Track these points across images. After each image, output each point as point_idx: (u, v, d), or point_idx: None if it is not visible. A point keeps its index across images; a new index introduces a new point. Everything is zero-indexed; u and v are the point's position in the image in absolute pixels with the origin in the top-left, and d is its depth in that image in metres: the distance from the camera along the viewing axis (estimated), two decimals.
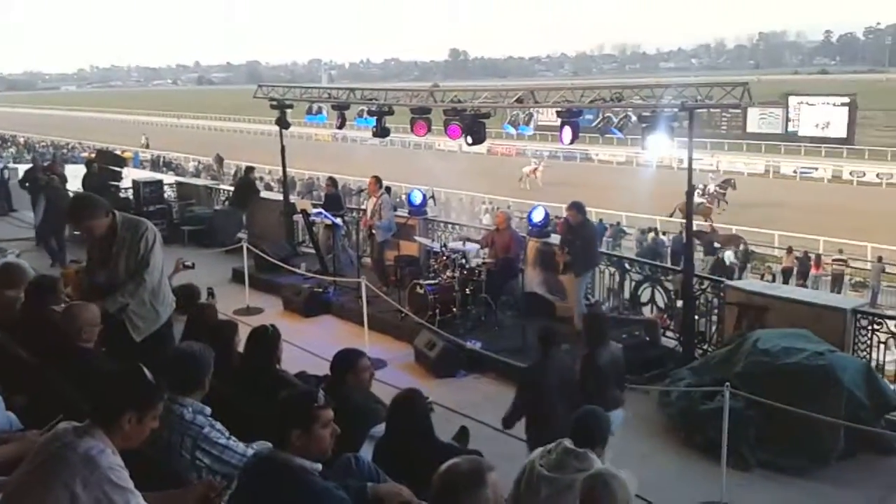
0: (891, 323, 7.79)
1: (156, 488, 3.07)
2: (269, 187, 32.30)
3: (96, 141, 56.77)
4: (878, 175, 42.02)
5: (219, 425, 3.65)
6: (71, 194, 12.86)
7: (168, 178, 21.72)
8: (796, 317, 7.80)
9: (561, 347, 6.13)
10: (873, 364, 7.54)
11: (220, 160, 42.44)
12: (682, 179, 8.68)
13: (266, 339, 5.00)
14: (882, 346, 7.66)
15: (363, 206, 12.41)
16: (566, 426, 3.97)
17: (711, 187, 32.91)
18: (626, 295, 10.51)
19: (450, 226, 12.91)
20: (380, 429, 4.04)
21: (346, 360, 4.76)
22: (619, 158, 48.56)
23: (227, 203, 17.00)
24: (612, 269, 10.61)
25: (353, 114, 12.61)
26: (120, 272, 5.24)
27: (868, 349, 7.66)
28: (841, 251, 24.53)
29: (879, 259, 23.52)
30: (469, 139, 10.53)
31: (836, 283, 23.31)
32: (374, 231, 11.62)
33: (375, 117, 11.78)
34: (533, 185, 40.40)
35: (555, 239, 10.88)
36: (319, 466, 3.13)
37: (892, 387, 7.50)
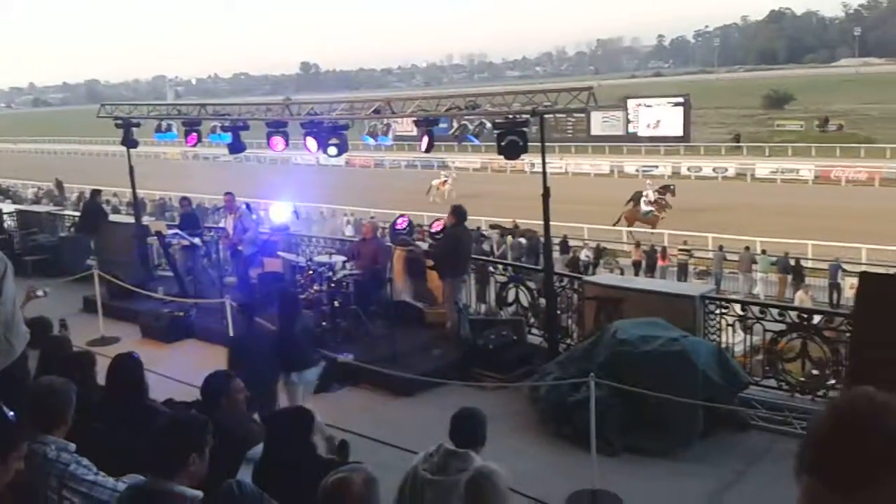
0: (737, 306, 8.37)
1: None
2: (116, 210, 30.82)
3: None
4: (713, 169, 45.11)
5: (85, 461, 3.47)
6: None
7: (6, 207, 20.30)
8: (650, 306, 8.23)
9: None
10: (723, 346, 8.09)
11: (60, 185, 40.06)
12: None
13: (129, 368, 4.79)
14: (730, 328, 8.22)
15: (221, 225, 12.08)
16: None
17: (652, 195, 32.21)
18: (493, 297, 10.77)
19: (314, 239, 12.77)
20: (257, 450, 3.95)
21: (219, 384, 4.64)
22: (475, 165, 49.61)
23: (73, 229, 16.08)
24: (477, 273, 10.84)
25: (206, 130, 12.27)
26: None
27: (717, 332, 8.21)
28: (685, 242, 26.14)
29: (720, 248, 25.27)
30: (333, 150, 10.49)
31: (682, 272, 24.84)
32: (239, 248, 11.32)
33: (230, 133, 11.50)
34: (443, 199, 37.81)
35: (421, 246, 11.04)
36: (201, 494, 3.04)
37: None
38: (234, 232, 11.30)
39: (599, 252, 25.76)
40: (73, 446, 3.49)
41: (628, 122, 54.25)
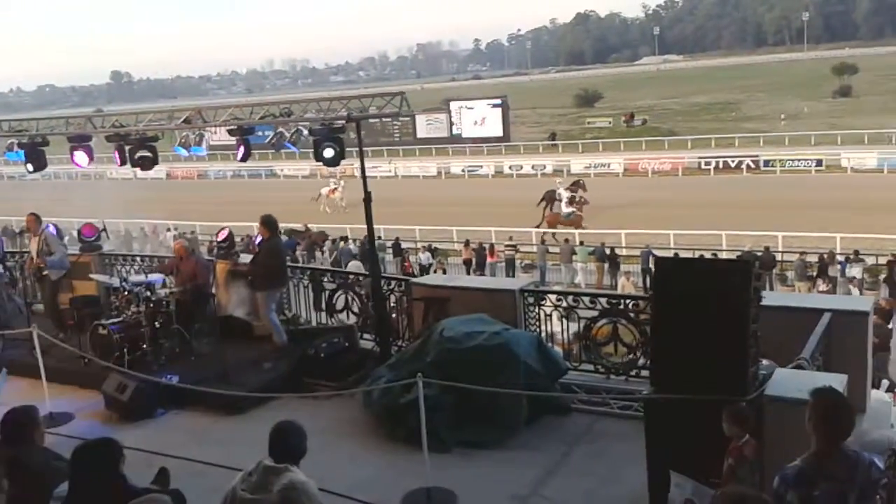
0: (552, 297, 8.79)
1: None
2: None
3: None
4: (533, 167, 47.13)
5: None
6: None
7: None
8: (475, 303, 8.49)
9: None
10: (544, 335, 8.49)
11: None
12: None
13: None
14: (548, 318, 8.62)
15: (27, 249, 11.19)
16: None
17: (565, 194, 31.47)
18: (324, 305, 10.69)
19: (129, 258, 12.13)
20: (64, 488, 3.72)
21: (29, 417, 4.34)
22: (303, 172, 49.06)
23: None
24: (306, 282, 10.72)
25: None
26: None
27: (537, 323, 8.60)
28: (511, 238, 27.12)
29: (543, 241, 26.46)
30: (137, 164, 10.04)
31: (510, 267, 25.78)
32: (44, 272, 10.54)
33: (26, 150, 10.71)
34: (334, 207, 37.68)
35: (244, 258, 10.76)
36: None
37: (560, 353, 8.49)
38: (38, 255, 10.50)
39: (433, 252, 26.24)
40: None
41: (452, 124, 55.63)
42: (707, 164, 42.90)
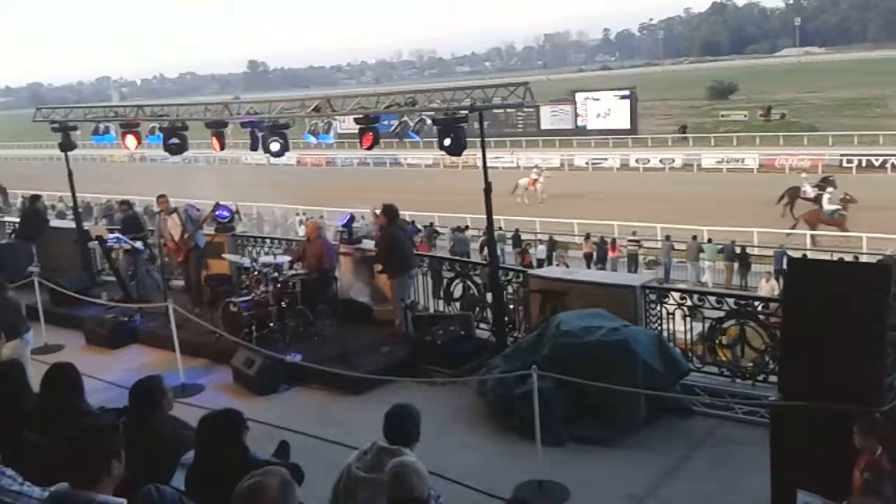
0: (676, 295, 8.52)
1: None
2: (62, 215, 30.12)
3: None
4: (661, 161, 45.78)
5: (10, 472, 3.41)
6: None
7: None
8: (593, 297, 8.34)
9: None
10: (666, 334, 8.24)
11: (2, 191, 38.97)
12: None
13: (67, 375, 4.72)
14: (672, 317, 8.36)
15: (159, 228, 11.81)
16: None
17: (812, 191, 28.57)
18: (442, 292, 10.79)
19: (260, 240, 12.65)
20: (190, 455, 3.92)
21: (157, 386, 4.60)
22: (426, 161, 49.64)
23: (13, 236, 15.68)
24: (426, 269, 10.85)
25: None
26: None
27: (658, 321, 8.36)
28: (634, 233, 26.51)
29: (667, 238, 25.68)
30: (274, 150, 10.42)
31: (632, 263, 25.21)
32: (191, 249, 11.14)
33: (165, 134, 11.33)
34: (532, 199, 36.21)
35: (367, 244, 11.00)
36: (124, 501, 3.01)
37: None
38: (183, 234, 11.09)
39: (552, 245, 26.02)
40: None
41: (577, 115, 54.78)
42: (849, 161, 40.27)
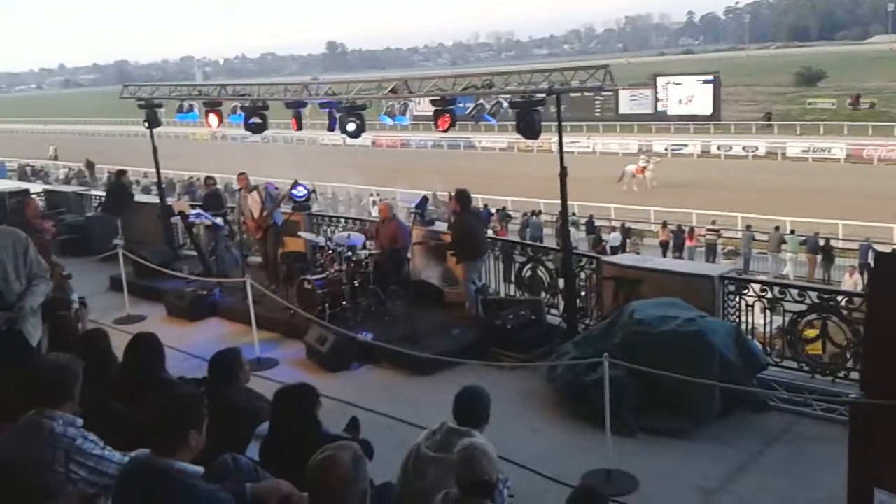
0: (756, 287, 8.27)
1: None
2: (146, 190, 31.15)
3: (13, 155, 52.32)
4: (744, 148, 44.48)
5: (92, 436, 3.55)
6: None
7: (35, 187, 20.56)
8: (669, 286, 8.16)
9: None
10: (745, 327, 8.01)
11: (90, 165, 40.56)
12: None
13: (149, 346, 4.89)
14: (749, 309, 8.13)
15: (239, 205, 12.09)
16: None
17: None
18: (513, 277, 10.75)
19: (335, 219, 12.82)
20: (265, 427, 4.01)
21: (235, 359, 4.73)
22: (501, 144, 49.41)
23: (99, 209, 16.30)
24: (498, 253, 10.82)
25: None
26: (10, 279, 5.17)
27: (737, 313, 8.13)
28: (714, 222, 25.86)
29: (748, 228, 24.97)
30: (349, 130, 10.52)
31: (710, 252, 24.61)
32: (269, 227, 11.39)
33: (246, 114, 11.56)
34: (641, 187, 35.01)
35: (440, 227, 11.03)
36: (201, 470, 3.10)
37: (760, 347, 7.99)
38: (261, 214, 11.32)
39: (626, 232, 25.62)
40: (80, 421, 3.57)
41: (657, 100, 53.56)
42: None
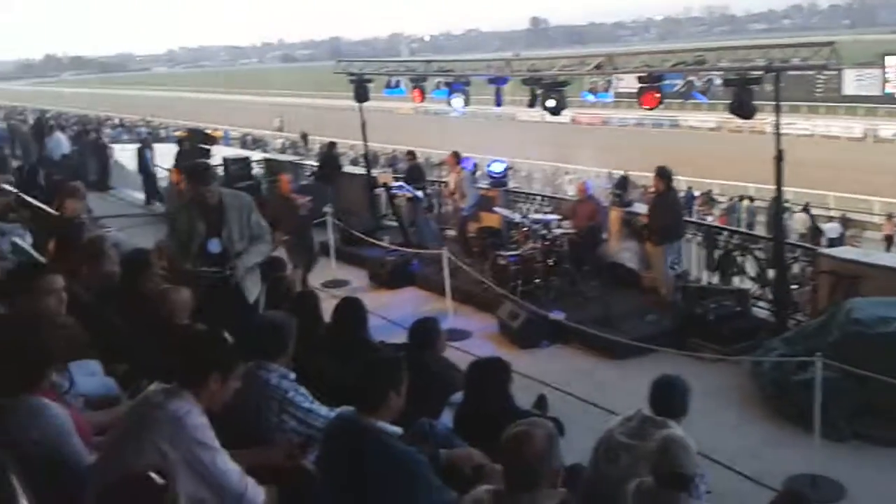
0: None
1: (244, 447, 3.21)
2: (354, 162, 32.77)
3: (238, 124, 57.17)
4: None
5: (303, 390, 3.79)
6: None
7: (255, 155, 22.20)
8: (893, 284, 7.48)
9: None
10: None
11: (305, 137, 43.17)
12: None
13: (355, 310, 5.16)
14: None
15: (444, 179, 12.45)
16: None
17: None
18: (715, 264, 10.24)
19: (531, 197, 12.81)
20: (459, 396, 4.10)
21: (433, 328, 4.89)
22: (709, 124, 47.12)
23: (312, 178, 17.31)
24: (700, 238, 10.35)
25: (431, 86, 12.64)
26: (234, 239, 5.55)
27: None
28: None
29: None
30: (549, 106, 10.42)
31: None
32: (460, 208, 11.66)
33: (451, 89, 11.78)
34: None
35: (638, 208, 10.71)
36: (400, 431, 3.22)
37: None
38: (455, 193, 11.58)
39: (846, 223, 23.63)
40: (292, 375, 3.83)
41: (886, 81, 48.56)
42: None
